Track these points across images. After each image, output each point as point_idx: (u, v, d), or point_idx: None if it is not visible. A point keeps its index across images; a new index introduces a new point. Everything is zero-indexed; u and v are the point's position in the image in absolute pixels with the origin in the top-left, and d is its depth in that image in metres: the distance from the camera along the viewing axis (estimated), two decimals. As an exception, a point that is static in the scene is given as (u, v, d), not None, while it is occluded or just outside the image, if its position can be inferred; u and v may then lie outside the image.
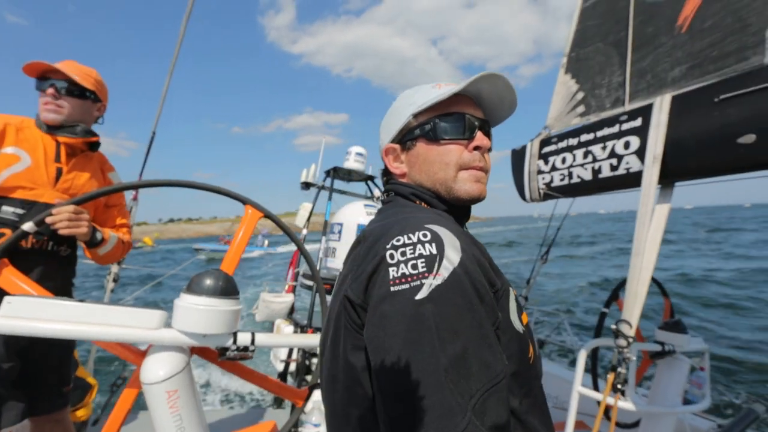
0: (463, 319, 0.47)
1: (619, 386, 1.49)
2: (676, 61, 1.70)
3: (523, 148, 2.05)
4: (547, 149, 1.93)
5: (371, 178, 3.59)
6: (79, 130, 1.48)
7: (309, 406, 2.33)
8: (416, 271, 0.49)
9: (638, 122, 1.67)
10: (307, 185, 3.39)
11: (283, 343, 1.49)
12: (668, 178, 1.61)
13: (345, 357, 0.56)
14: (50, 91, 1.43)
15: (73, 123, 1.48)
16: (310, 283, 3.21)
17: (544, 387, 0.64)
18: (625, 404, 2.13)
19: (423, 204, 0.69)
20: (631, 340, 1.50)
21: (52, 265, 1.46)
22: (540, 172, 1.94)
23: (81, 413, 2.47)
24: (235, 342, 1.18)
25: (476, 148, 0.68)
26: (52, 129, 1.45)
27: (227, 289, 1.11)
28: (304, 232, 3.35)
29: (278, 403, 3.13)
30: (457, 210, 0.71)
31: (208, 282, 1.09)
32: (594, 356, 2.38)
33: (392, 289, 0.49)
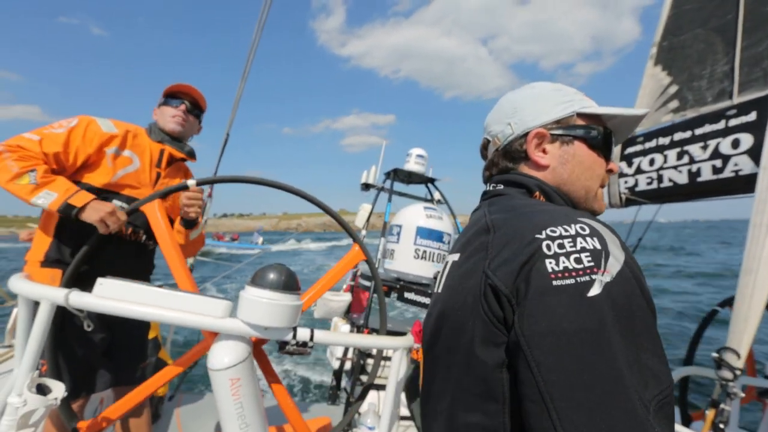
0: (637, 322, 0.43)
1: (721, 426, 1.24)
2: (804, 44, 1.41)
3: (603, 148, 1.83)
4: (631, 150, 1.71)
5: (432, 180, 3.50)
6: (187, 150, 1.73)
7: (364, 407, 2.30)
8: (581, 266, 0.44)
9: (751, 117, 1.41)
10: (367, 186, 3.40)
11: (341, 341, 1.49)
12: (792, 182, 1.33)
13: (470, 351, 0.52)
14: (183, 107, 1.69)
15: (185, 137, 1.74)
16: (368, 283, 3.20)
17: None
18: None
19: (542, 198, 0.64)
20: (738, 372, 1.26)
21: (142, 255, 1.65)
22: (622, 175, 1.72)
23: (160, 390, 2.70)
24: (294, 337, 1.19)
25: (609, 170, 0.68)
26: (163, 139, 1.67)
27: (289, 284, 1.12)
28: (363, 232, 3.36)
29: (333, 399, 3.15)
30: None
31: (271, 276, 1.10)
32: (684, 386, 2.05)
33: (554, 283, 0.44)
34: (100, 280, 1.10)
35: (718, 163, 1.45)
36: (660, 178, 1.60)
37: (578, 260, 0.44)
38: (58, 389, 1.14)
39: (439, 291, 0.64)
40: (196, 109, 1.73)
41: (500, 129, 0.70)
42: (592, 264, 0.44)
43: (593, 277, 0.43)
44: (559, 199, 0.64)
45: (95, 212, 1.32)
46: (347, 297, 3.27)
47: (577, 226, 0.47)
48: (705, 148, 1.48)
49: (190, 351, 1.33)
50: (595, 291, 0.43)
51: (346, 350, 3.00)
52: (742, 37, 1.55)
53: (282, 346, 1.27)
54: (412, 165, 3.28)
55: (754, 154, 1.37)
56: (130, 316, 1.09)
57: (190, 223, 1.63)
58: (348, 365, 3.02)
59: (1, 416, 1.09)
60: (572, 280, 0.44)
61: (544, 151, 0.66)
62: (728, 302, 2.23)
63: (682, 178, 1.53)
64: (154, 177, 1.63)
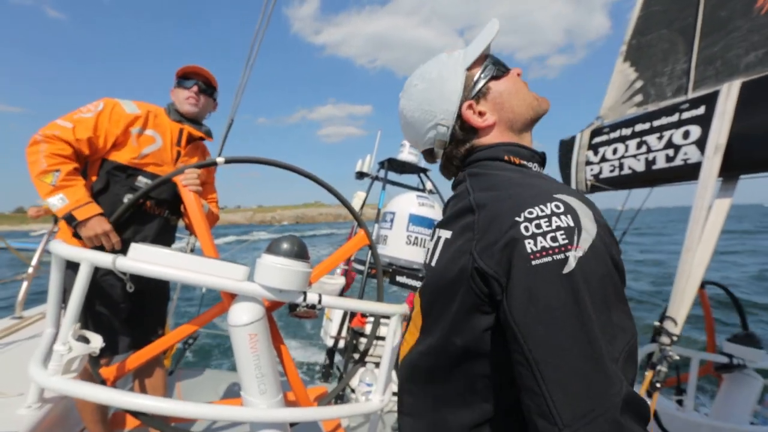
0: (607, 288, 0.50)
1: (657, 385, 1.44)
2: (752, 46, 1.59)
3: (572, 138, 2.02)
4: (597, 140, 1.90)
5: (424, 170, 3.68)
6: (204, 130, 1.85)
7: (356, 381, 2.51)
8: (557, 244, 0.50)
9: (701, 111, 1.59)
10: (361, 175, 3.58)
11: (345, 306, 1.57)
12: (732, 170, 1.52)
13: (461, 317, 0.61)
14: (195, 88, 1.78)
15: (201, 116, 1.85)
16: (361, 267, 3.40)
17: None
18: (684, 415, 2.02)
19: (516, 159, 0.71)
20: (675, 338, 1.45)
21: (165, 229, 1.81)
22: (588, 163, 1.91)
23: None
24: (305, 300, 1.32)
25: (518, 75, 0.76)
26: (181, 119, 1.79)
27: (301, 253, 1.26)
28: (357, 219, 3.55)
29: (326, 377, 3.36)
30: (539, 155, 0.76)
31: (286, 246, 1.25)
32: (649, 360, 2.26)
33: (534, 263, 0.50)
34: (133, 245, 1.25)
35: (671, 152, 1.63)
36: (621, 166, 1.79)
37: (554, 239, 0.50)
38: (97, 340, 1.32)
39: (434, 264, 0.70)
40: (208, 88, 1.84)
41: (434, 133, 0.77)
42: (566, 241, 0.49)
43: (567, 254, 0.49)
44: (525, 151, 0.72)
45: (90, 230, 1.48)
46: (341, 280, 3.48)
47: (553, 204, 0.52)
48: (660, 138, 1.67)
49: (206, 312, 1.49)
50: (569, 267, 0.48)
51: (340, 329, 3.20)
52: (700, 38, 1.73)
53: (293, 308, 1.43)
54: (406, 155, 3.47)
55: (701, 144, 1.56)
56: (165, 278, 1.22)
57: None
58: (341, 344, 3.23)
59: (43, 364, 1.27)
60: (549, 258, 0.49)
61: (481, 114, 0.73)
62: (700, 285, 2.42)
63: (640, 166, 1.72)
64: (175, 155, 1.77)
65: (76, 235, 1.61)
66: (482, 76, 0.73)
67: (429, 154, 0.82)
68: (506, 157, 0.70)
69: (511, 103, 0.73)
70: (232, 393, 2.85)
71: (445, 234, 0.69)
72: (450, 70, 0.74)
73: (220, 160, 1.53)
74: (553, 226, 0.50)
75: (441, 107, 0.75)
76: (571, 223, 0.51)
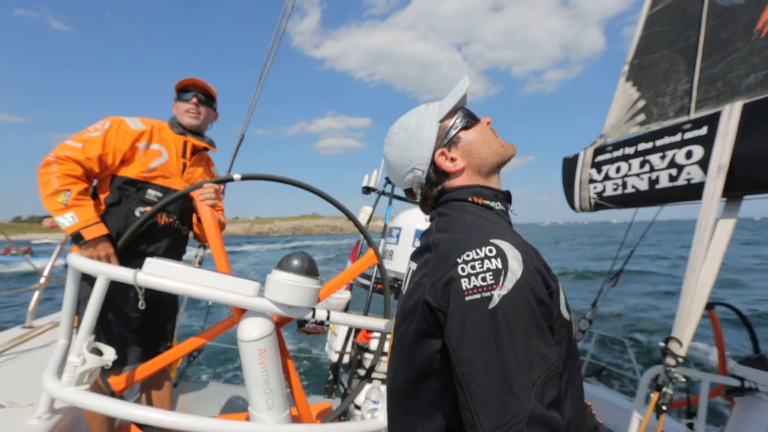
0: (527, 322, 0.58)
1: (663, 407, 1.43)
2: (753, 68, 1.62)
3: (576, 156, 2.05)
4: (601, 158, 1.92)
5: (430, 185, 3.71)
6: (207, 140, 1.90)
7: (361, 398, 2.51)
8: (485, 283, 0.60)
9: (703, 131, 1.61)
10: (368, 190, 3.63)
11: (353, 323, 1.59)
12: (735, 190, 1.53)
13: (417, 339, 0.71)
14: (194, 100, 1.82)
15: (202, 128, 1.88)
16: (367, 282, 3.42)
17: (602, 415, 0.72)
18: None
19: (479, 200, 0.79)
20: (680, 359, 1.45)
21: (177, 240, 1.86)
22: (592, 181, 1.93)
23: (168, 375, 2.95)
24: (314, 316, 1.34)
25: (488, 124, 0.86)
26: (184, 131, 1.84)
27: (311, 269, 1.29)
28: (363, 234, 3.58)
29: (329, 392, 3.36)
30: (503, 194, 0.84)
31: (296, 262, 1.28)
32: (655, 381, 2.23)
33: (467, 299, 0.60)
34: (148, 260, 1.30)
35: (674, 171, 1.65)
36: (624, 185, 1.81)
37: (483, 278, 0.60)
38: (109, 353, 1.36)
39: (404, 292, 0.81)
40: (207, 99, 1.88)
41: (412, 176, 0.87)
42: (493, 282, 0.59)
43: (492, 293, 0.58)
44: (485, 190, 0.81)
45: (98, 250, 1.52)
46: (347, 295, 3.49)
47: (487, 248, 0.62)
48: (663, 158, 1.69)
49: (216, 325, 1.52)
50: (493, 304, 0.58)
51: (345, 344, 3.20)
52: (701, 59, 1.76)
53: (301, 324, 1.45)
54: (412, 170, 3.50)
55: (704, 164, 1.58)
56: (179, 293, 1.26)
57: None
58: (345, 359, 3.22)
59: (56, 375, 1.30)
60: (478, 296, 0.59)
61: (452, 160, 0.83)
62: (710, 306, 2.40)
63: (643, 185, 1.74)
64: (181, 167, 1.83)
65: None
66: (454, 126, 0.83)
67: (409, 193, 0.93)
68: (470, 199, 0.79)
69: (478, 151, 0.82)
70: (236, 406, 2.87)
71: (413, 266, 0.80)
72: (426, 121, 0.84)
73: (236, 176, 1.57)
74: (484, 268, 0.60)
75: (417, 153, 0.85)
76: (500, 266, 0.60)
